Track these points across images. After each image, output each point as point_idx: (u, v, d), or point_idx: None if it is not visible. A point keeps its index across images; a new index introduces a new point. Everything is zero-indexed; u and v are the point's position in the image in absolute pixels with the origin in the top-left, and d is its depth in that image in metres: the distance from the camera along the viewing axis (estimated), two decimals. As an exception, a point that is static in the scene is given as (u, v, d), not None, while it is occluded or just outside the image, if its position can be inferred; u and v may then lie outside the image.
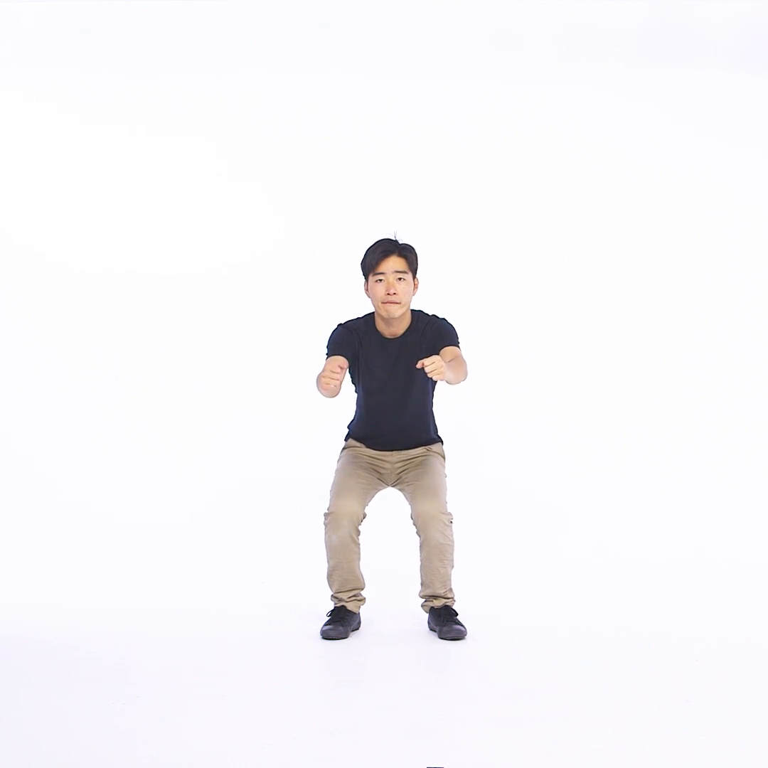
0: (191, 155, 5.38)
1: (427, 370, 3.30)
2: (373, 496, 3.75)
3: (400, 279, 3.60)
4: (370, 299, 3.67)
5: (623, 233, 5.35)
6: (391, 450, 3.78)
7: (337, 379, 3.40)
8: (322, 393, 3.52)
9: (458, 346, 3.64)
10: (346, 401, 3.87)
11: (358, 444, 3.82)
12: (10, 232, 5.33)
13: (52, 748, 2.58)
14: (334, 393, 3.51)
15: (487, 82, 5.34)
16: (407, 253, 3.62)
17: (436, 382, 3.70)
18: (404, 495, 3.78)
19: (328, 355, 3.64)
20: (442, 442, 3.87)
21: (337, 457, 3.85)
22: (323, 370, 3.43)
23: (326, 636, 3.59)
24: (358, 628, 3.73)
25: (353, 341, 3.65)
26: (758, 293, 5.34)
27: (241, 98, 5.36)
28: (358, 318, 3.73)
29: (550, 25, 5.33)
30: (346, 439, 3.89)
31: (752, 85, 5.35)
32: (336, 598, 3.71)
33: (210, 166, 5.39)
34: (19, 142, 5.36)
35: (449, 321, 3.69)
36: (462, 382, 3.58)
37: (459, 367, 3.52)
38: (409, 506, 3.70)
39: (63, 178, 5.34)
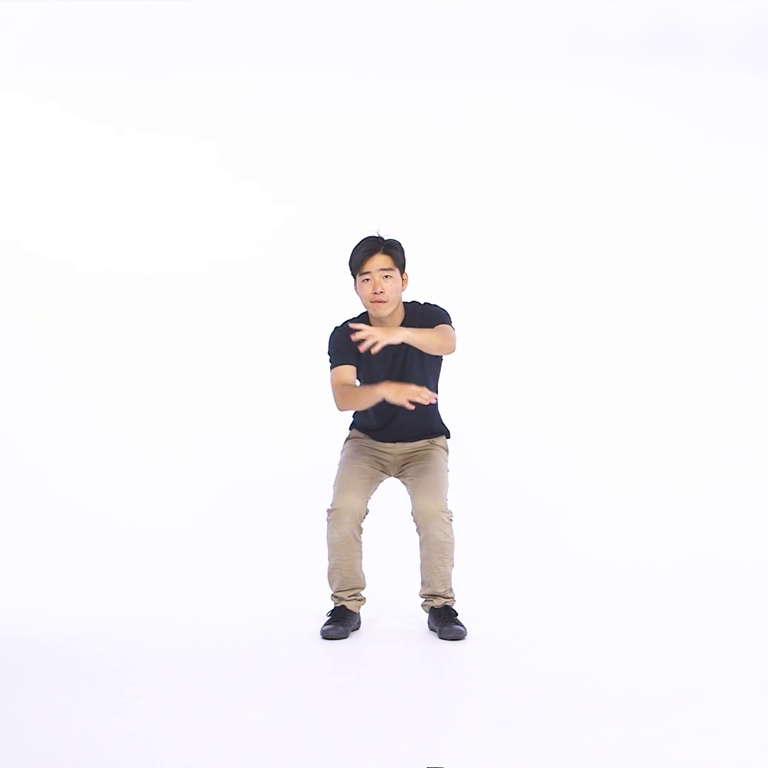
0: (190, 155, 5.38)
1: (419, 399, 3.36)
2: (375, 489, 3.75)
3: (386, 277, 3.58)
4: (360, 299, 3.67)
5: (623, 232, 5.35)
6: (395, 442, 3.78)
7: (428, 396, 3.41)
8: (349, 405, 3.57)
9: (447, 324, 3.59)
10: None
11: (361, 435, 3.82)
12: (9, 231, 5.33)
13: (52, 748, 2.58)
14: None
15: (487, 82, 5.34)
16: (392, 250, 3.60)
17: (438, 374, 3.70)
18: (406, 489, 3.78)
19: (333, 364, 3.64)
20: (447, 435, 3.86)
21: (341, 448, 3.85)
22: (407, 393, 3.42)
23: (326, 636, 3.59)
24: (358, 628, 3.73)
25: (352, 343, 3.64)
26: (758, 293, 5.34)
27: (240, 98, 5.36)
28: (353, 318, 3.72)
29: (550, 25, 5.33)
30: (350, 429, 3.89)
31: (752, 85, 5.35)
32: (336, 597, 3.71)
33: (209, 166, 5.39)
34: (19, 142, 5.36)
35: (440, 306, 3.66)
36: (446, 349, 3.53)
37: (435, 331, 3.50)
38: (410, 502, 3.70)
39: (63, 178, 5.34)
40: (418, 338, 3.44)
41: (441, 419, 3.84)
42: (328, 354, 3.67)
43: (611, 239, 5.35)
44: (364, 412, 3.81)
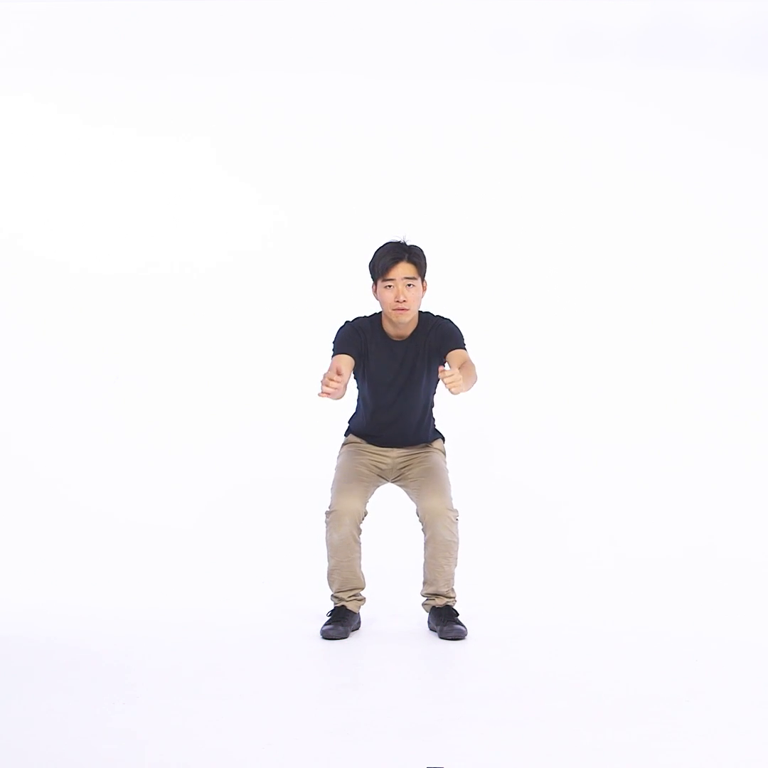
0: (190, 155, 5.38)
1: (445, 381, 3.28)
2: (373, 492, 3.75)
3: (409, 285, 3.59)
4: (378, 302, 3.67)
5: (624, 232, 5.35)
6: (393, 447, 3.78)
7: (338, 385, 3.33)
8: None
9: (465, 349, 3.63)
10: (346, 397, 3.87)
11: (359, 440, 3.82)
12: (9, 232, 5.33)
13: (52, 748, 2.58)
14: (338, 397, 3.48)
15: (487, 82, 5.34)
16: (416, 259, 3.61)
17: (438, 381, 3.70)
18: (407, 492, 3.78)
19: (335, 353, 3.64)
20: (442, 438, 3.87)
21: (338, 453, 3.85)
22: (323, 376, 3.38)
23: (326, 636, 3.59)
24: (358, 628, 3.73)
25: (359, 341, 3.64)
26: (758, 293, 5.34)
27: (240, 98, 5.36)
28: (365, 316, 3.72)
29: (550, 25, 5.33)
30: (346, 435, 3.89)
31: (752, 85, 5.35)
32: (336, 597, 3.71)
33: (209, 167, 5.39)
34: (18, 141, 5.36)
35: (454, 322, 3.69)
36: (473, 387, 3.56)
37: (469, 374, 3.50)
38: (415, 503, 3.71)
39: (62, 177, 5.34)
40: (467, 387, 3.42)
41: (435, 425, 3.85)
42: (333, 343, 3.67)
43: (611, 239, 5.35)
44: (360, 418, 3.82)
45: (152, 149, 5.37)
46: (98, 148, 5.36)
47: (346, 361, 3.58)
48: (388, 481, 3.81)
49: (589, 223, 5.35)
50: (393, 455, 3.78)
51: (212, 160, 5.39)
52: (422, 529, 3.66)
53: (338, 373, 3.36)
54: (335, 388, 3.32)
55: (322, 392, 3.33)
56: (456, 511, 3.65)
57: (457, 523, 3.65)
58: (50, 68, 5.31)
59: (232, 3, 5.32)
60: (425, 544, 3.66)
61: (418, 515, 3.67)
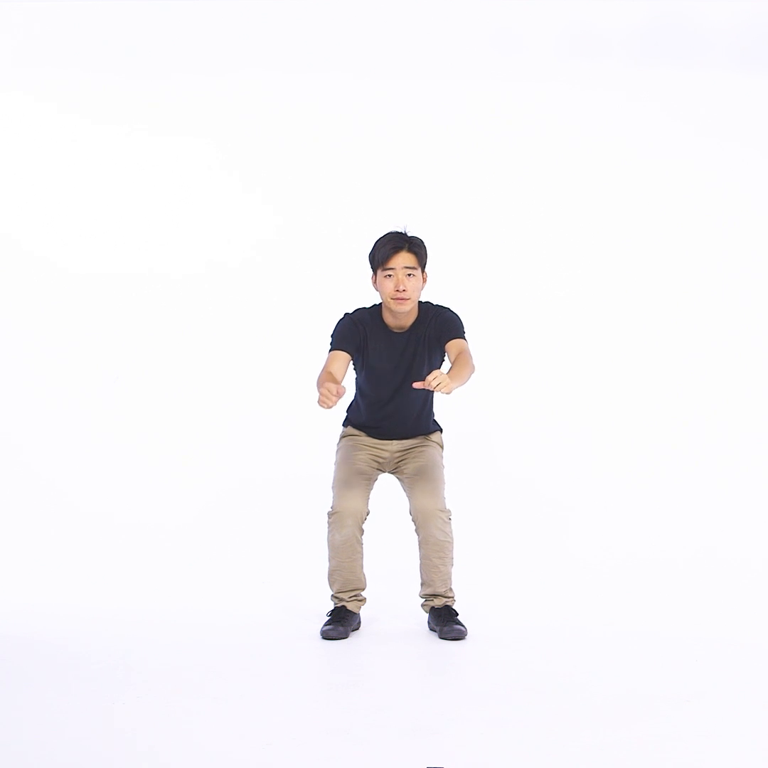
0: (190, 155, 5.37)
1: (432, 386, 3.27)
2: (373, 487, 3.75)
3: (409, 275, 3.59)
4: (378, 293, 3.66)
5: (624, 232, 5.34)
6: (391, 439, 3.78)
7: (334, 403, 3.32)
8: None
9: (464, 338, 3.62)
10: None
11: (357, 432, 3.81)
12: (9, 232, 5.33)
13: (52, 748, 2.58)
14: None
15: (487, 82, 5.34)
16: (417, 249, 3.61)
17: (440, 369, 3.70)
18: (402, 486, 3.78)
19: (332, 347, 3.63)
20: (441, 430, 3.87)
21: (336, 445, 3.85)
22: (319, 393, 3.35)
23: (326, 636, 3.59)
24: (358, 628, 3.73)
25: (358, 334, 3.63)
26: (758, 293, 5.34)
27: (241, 98, 5.36)
28: (365, 308, 3.71)
29: (550, 25, 5.33)
30: (344, 425, 3.88)
31: (752, 85, 5.34)
32: (336, 598, 3.71)
33: (209, 166, 5.38)
34: (19, 141, 5.36)
35: (454, 311, 3.69)
36: (472, 377, 3.53)
37: (464, 366, 3.49)
38: (408, 501, 3.70)
39: (63, 178, 5.33)
40: (460, 381, 3.42)
41: (434, 417, 3.84)
42: (331, 336, 3.66)
43: (612, 238, 5.34)
44: (358, 409, 3.81)
45: (152, 149, 5.36)
46: (98, 148, 5.35)
47: (342, 358, 3.58)
48: (385, 472, 3.80)
49: (590, 222, 5.35)
50: (391, 448, 3.77)
51: (212, 160, 5.38)
52: (415, 530, 3.66)
53: (337, 389, 3.33)
54: (335, 403, 3.32)
55: (325, 405, 3.32)
56: (448, 511, 3.65)
57: (449, 523, 3.64)
58: (50, 67, 5.30)
59: (232, 3, 5.32)
60: (419, 545, 3.66)
61: (410, 515, 3.67)
